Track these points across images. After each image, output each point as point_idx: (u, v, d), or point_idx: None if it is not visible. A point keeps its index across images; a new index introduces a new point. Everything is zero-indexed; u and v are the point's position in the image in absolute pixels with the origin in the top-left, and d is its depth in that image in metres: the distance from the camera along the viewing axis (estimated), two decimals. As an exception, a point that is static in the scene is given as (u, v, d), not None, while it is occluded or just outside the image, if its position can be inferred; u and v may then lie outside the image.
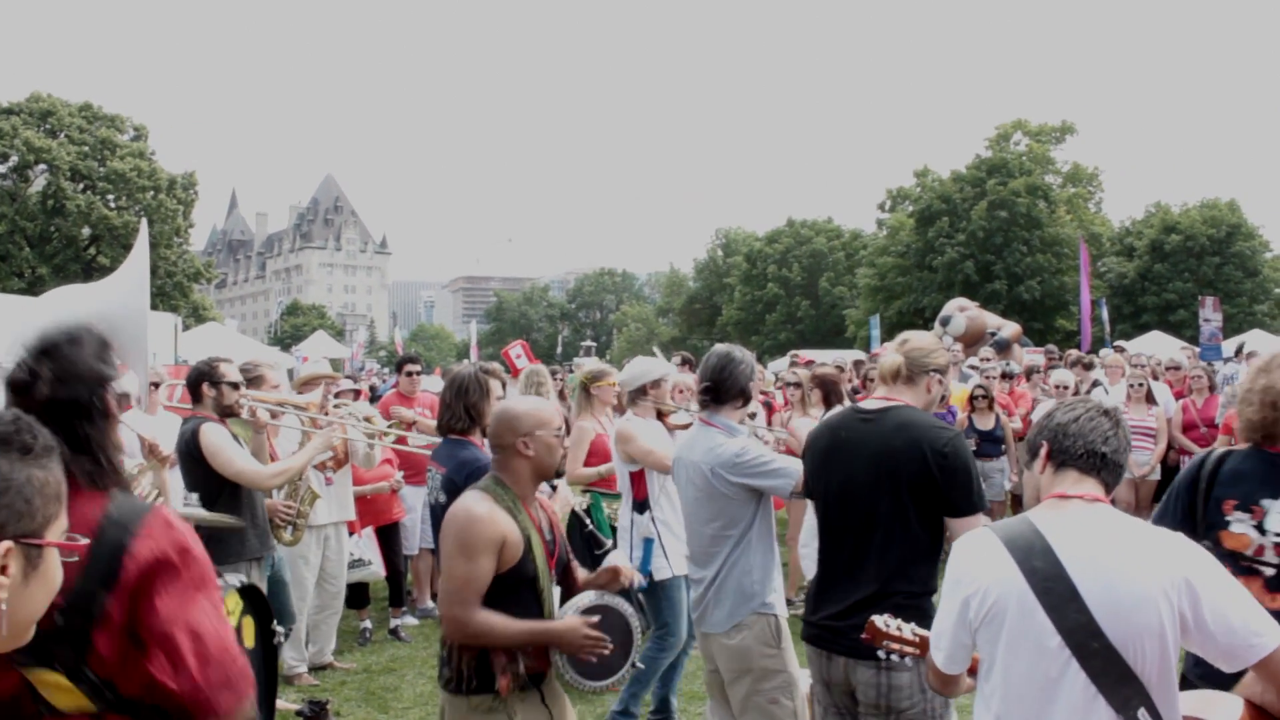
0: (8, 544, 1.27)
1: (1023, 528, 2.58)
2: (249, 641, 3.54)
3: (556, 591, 3.59)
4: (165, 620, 2.15)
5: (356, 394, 9.40)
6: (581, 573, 3.86)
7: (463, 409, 5.01)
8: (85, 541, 1.41)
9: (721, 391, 4.47)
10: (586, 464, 6.63)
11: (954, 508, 3.61)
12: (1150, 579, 2.38)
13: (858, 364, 13.05)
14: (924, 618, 3.47)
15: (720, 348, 4.63)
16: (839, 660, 3.69)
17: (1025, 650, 2.48)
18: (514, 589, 3.43)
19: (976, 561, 2.62)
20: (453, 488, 4.66)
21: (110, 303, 4.45)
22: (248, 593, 3.57)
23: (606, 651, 3.44)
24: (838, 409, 7.14)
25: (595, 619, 3.48)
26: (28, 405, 2.20)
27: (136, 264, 4.67)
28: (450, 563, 3.43)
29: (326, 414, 6.55)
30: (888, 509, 3.64)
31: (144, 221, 4.98)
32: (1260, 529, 3.18)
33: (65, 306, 4.58)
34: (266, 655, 3.64)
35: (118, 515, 2.15)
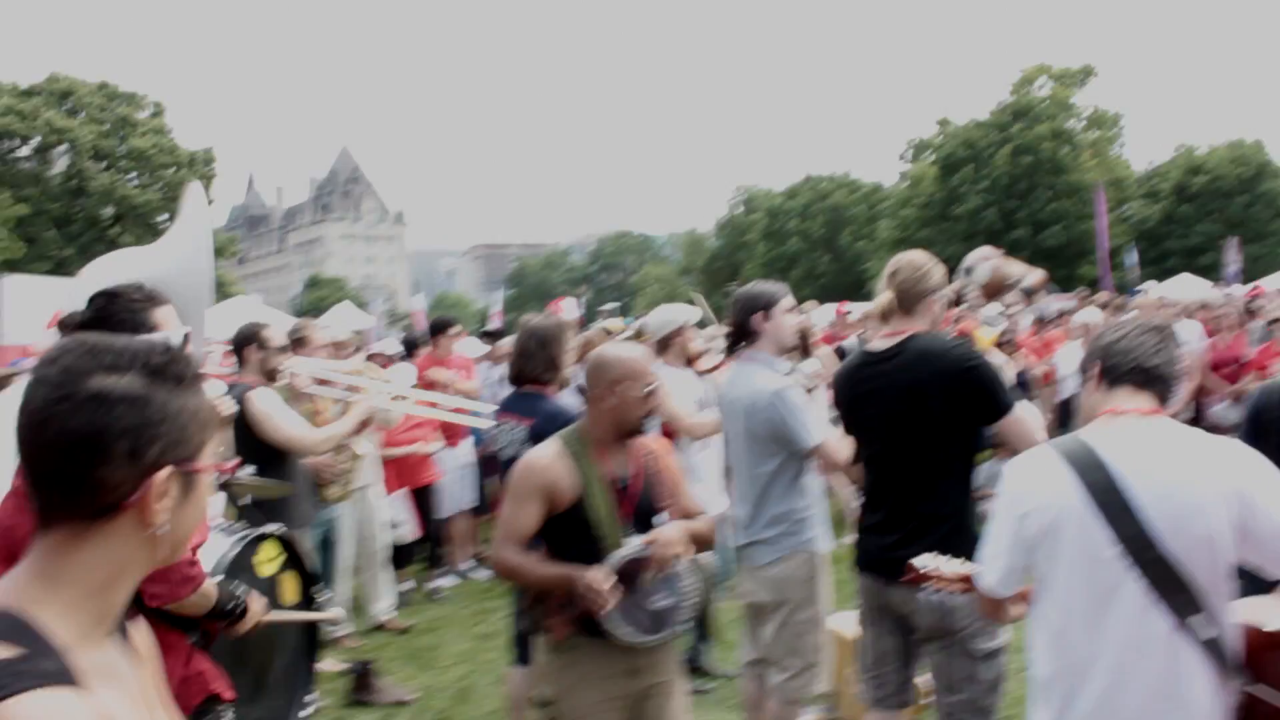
0: (169, 469, 1.34)
1: (1076, 444, 2.62)
2: (290, 597, 3.52)
3: (637, 539, 3.42)
4: None
5: (387, 359, 9.50)
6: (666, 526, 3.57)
7: (547, 359, 5.02)
8: (235, 461, 1.51)
9: (735, 332, 4.57)
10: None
11: (991, 415, 3.69)
12: (1206, 487, 2.42)
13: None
14: (973, 541, 3.54)
15: (740, 290, 4.70)
16: (896, 587, 3.71)
17: (1082, 562, 2.53)
18: (571, 532, 3.42)
19: (1034, 479, 2.66)
20: (541, 441, 4.70)
21: (171, 265, 4.48)
22: (289, 545, 3.55)
23: (602, 608, 3.26)
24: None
25: (617, 566, 3.32)
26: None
27: (195, 225, 4.67)
28: (504, 503, 3.55)
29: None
30: (925, 439, 3.73)
31: (195, 184, 4.94)
32: None
33: (124, 271, 4.63)
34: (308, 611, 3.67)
35: None
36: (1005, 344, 10.73)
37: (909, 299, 3.89)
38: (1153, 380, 2.66)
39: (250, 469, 5.10)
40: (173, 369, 1.37)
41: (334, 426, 5.78)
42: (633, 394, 3.52)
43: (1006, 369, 10.51)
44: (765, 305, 4.51)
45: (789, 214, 62.23)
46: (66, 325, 2.66)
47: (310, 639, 3.69)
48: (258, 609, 2.92)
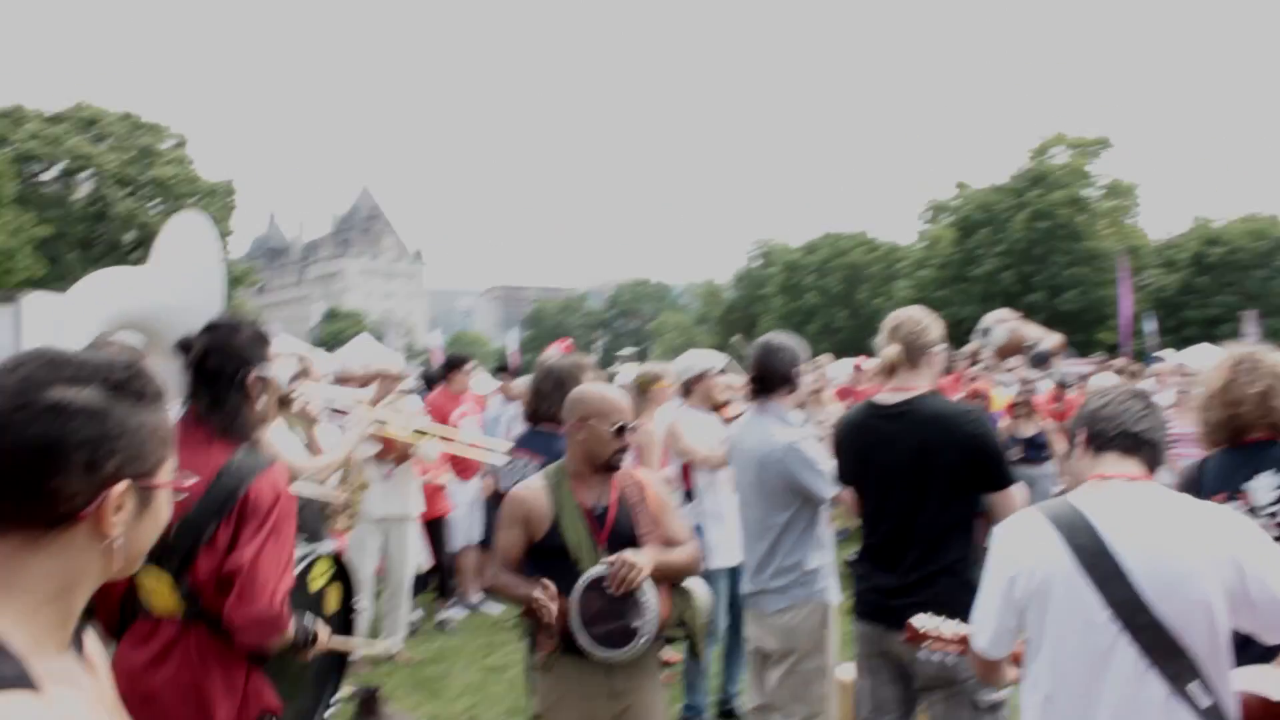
0: (125, 483, 1.35)
1: (1064, 508, 2.60)
2: (331, 607, 3.62)
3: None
4: (237, 556, 2.68)
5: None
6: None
7: (563, 399, 5.06)
8: (194, 480, 1.53)
9: (766, 381, 4.55)
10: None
11: (991, 484, 3.76)
12: (1196, 554, 2.39)
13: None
14: (973, 592, 3.56)
15: (763, 338, 4.69)
16: (894, 636, 3.71)
17: (1074, 626, 2.49)
18: (547, 558, 3.61)
19: (1021, 541, 2.65)
20: None
21: (175, 298, 4.51)
22: (338, 561, 3.67)
23: (544, 619, 3.48)
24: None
25: (583, 586, 3.48)
26: (188, 363, 2.96)
27: (201, 256, 4.69)
28: (497, 530, 3.81)
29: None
30: (927, 496, 3.78)
31: (192, 213, 4.94)
32: (1252, 511, 3.23)
33: (117, 299, 4.66)
34: (345, 623, 3.72)
35: (237, 464, 2.78)
36: (1021, 405, 10.72)
37: (913, 352, 3.95)
38: (1140, 445, 2.66)
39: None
40: (133, 385, 1.39)
41: (327, 456, 5.68)
42: (601, 429, 3.70)
43: (1022, 427, 10.54)
44: (798, 360, 4.59)
45: (806, 269, 62.36)
46: (184, 348, 2.84)
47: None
48: (324, 636, 3.09)
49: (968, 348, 19.15)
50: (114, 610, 2.89)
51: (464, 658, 7.44)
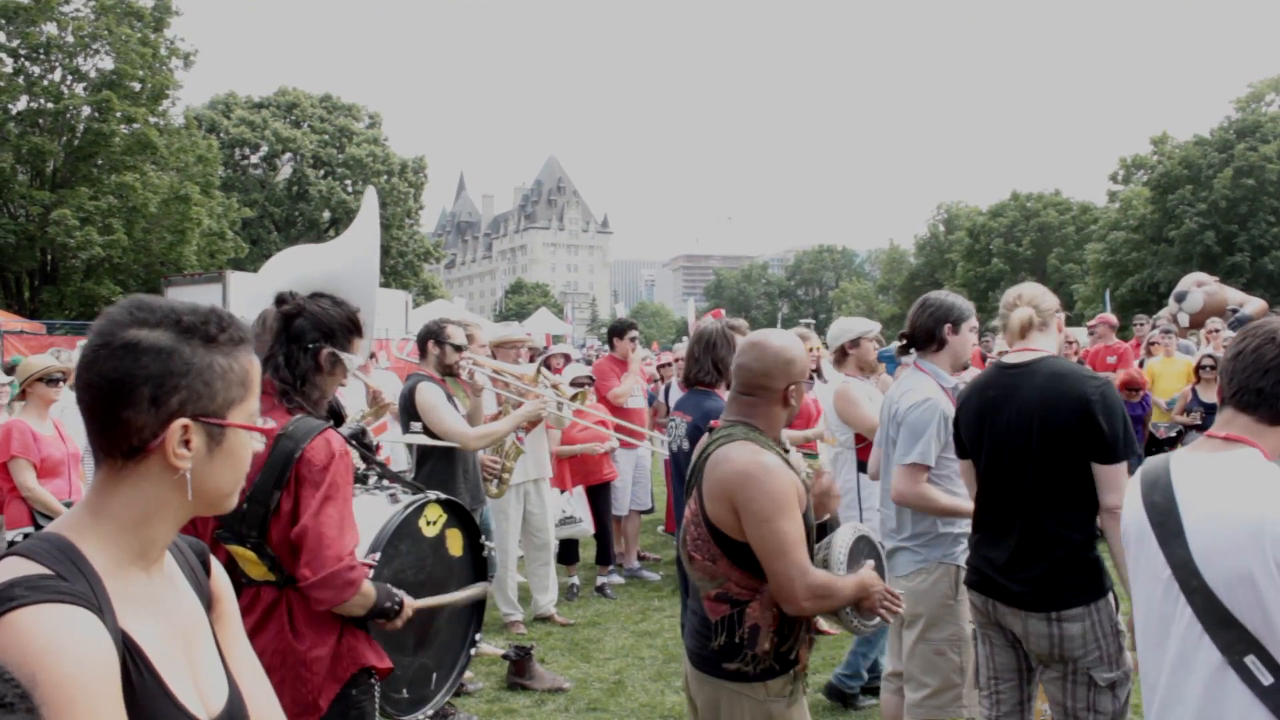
0: (185, 420, 1.47)
1: (1158, 463, 2.55)
2: (456, 551, 3.75)
3: (847, 530, 3.38)
4: (299, 522, 2.76)
5: (566, 359, 9.91)
6: None
7: (710, 363, 5.28)
8: (272, 425, 1.65)
9: (914, 338, 4.45)
10: (794, 426, 6.77)
11: (1102, 454, 3.55)
12: (1247, 526, 2.25)
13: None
14: (1090, 567, 3.58)
15: (923, 296, 4.61)
16: (1004, 609, 3.70)
17: (1145, 580, 2.50)
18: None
19: (1127, 496, 2.68)
20: (698, 435, 4.87)
21: (341, 265, 4.85)
22: (450, 506, 3.74)
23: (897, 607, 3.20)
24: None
25: (872, 564, 3.24)
26: (279, 313, 3.02)
27: (366, 229, 5.01)
28: (771, 526, 2.96)
29: (535, 383, 6.94)
30: (1043, 459, 3.63)
31: (370, 190, 5.34)
32: None
33: (297, 268, 4.99)
34: (476, 563, 3.84)
35: (292, 430, 2.80)
36: (1206, 369, 10.37)
37: (1043, 314, 3.93)
38: (1258, 403, 2.42)
39: (418, 426, 5.43)
40: (203, 330, 1.50)
41: (491, 426, 6.06)
42: (803, 392, 3.30)
43: (1205, 391, 10.18)
44: (956, 318, 4.43)
45: (993, 233, 60.53)
46: (280, 301, 3.01)
47: (477, 579, 3.86)
48: (410, 605, 3.08)
49: (1163, 312, 18.23)
50: None
51: (618, 622, 7.67)
